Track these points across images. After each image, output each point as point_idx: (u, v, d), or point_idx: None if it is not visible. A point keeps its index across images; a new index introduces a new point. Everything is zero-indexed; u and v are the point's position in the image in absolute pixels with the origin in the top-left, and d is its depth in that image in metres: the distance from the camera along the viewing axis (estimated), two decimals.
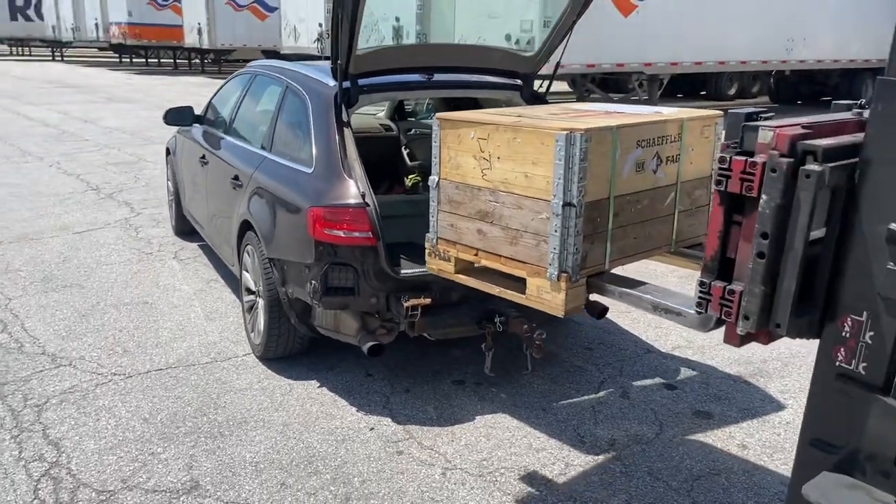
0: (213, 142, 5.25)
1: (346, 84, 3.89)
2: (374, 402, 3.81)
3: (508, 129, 2.65)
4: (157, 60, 35.87)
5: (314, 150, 3.86)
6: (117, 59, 37.21)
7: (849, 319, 1.78)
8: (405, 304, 3.50)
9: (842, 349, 1.80)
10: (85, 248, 6.29)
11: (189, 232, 6.45)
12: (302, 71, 4.44)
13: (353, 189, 3.62)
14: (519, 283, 2.75)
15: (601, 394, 3.94)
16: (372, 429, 3.56)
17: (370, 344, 3.57)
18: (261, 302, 4.12)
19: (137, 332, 4.59)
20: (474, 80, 4.45)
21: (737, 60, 17.37)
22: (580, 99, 17.07)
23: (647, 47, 15.66)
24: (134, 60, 36.52)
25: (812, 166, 1.72)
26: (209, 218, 5.33)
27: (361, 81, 3.98)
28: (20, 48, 42.79)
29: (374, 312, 3.66)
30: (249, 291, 4.34)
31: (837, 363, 1.82)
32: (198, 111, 5.84)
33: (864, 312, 1.75)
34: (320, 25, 20.04)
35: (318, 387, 3.96)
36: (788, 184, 1.74)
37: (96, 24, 32.78)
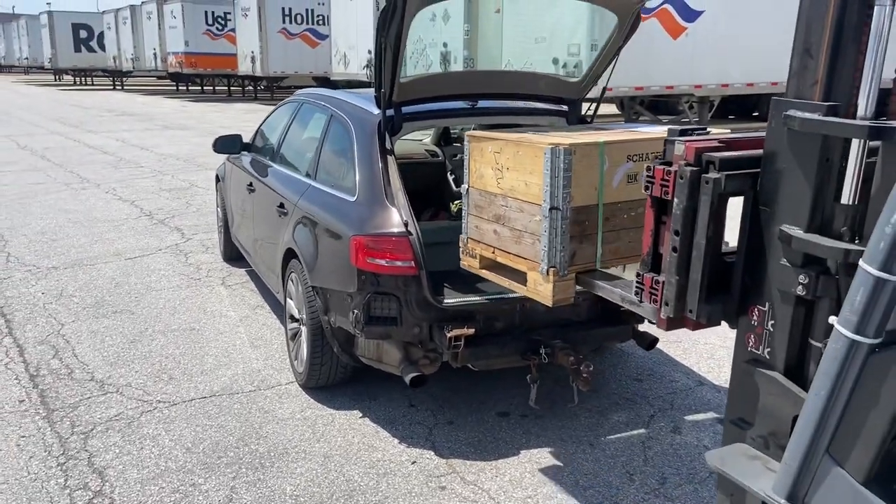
0: (260, 169, 5.30)
1: (390, 112, 3.88)
2: (417, 434, 3.73)
3: (513, 143, 2.97)
4: (211, 88, 36.86)
5: (357, 178, 3.84)
6: (174, 88, 38.38)
7: (756, 309, 2.01)
8: (448, 335, 3.43)
9: (751, 336, 2.04)
10: (136, 273, 6.41)
11: (237, 258, 6.51)
12: (346, 99, 4.45)
13: (396, 217, 3.59)
14: (523, 277, 3.03)
15: (651, 428, 3.80)
16: (414, 462, 3.48)
17: (412, 375, 3.51)
18: (304, 330, 4.11)
19: (183, 359, 4.62)
20: (519, 106, 4.39)
21: None
22: (628, 120, 16.90)
23: (697, 69, 15.43)
24: (190, 88, 37.62)
25: (711, 174, 1.98)
26: (255, 245, 5.37)
27: (405, 109, 3.97)
28: (83, 78, 44.51)
29: (417, 342, 3.60)
30: (293, 319, 4.34)
31: (748, 349, 2.05)
32: (246, 139, 5.93)
33: (767, 303, 1.97)
34: (370, 52, 20.29)
35: (361, 417, 3.91)
36: (693, 189, 2.00)
37: (154, 55, 33.92)
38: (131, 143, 16.04)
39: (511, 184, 2.98)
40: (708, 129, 2.39)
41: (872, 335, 1.57)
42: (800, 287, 1.85)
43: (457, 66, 15.77)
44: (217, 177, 6.84)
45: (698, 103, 16.76)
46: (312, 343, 3.97)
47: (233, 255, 6.59)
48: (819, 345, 1.87)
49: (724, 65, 15.65)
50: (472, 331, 3.48)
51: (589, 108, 4.50)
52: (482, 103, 4.27)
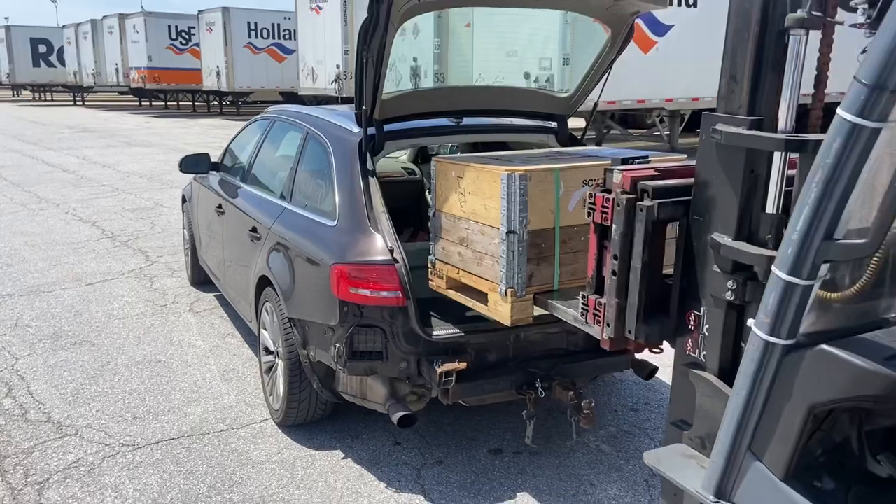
0: (230, 190, 5.00)
1: (371, 130, 3.64)
2: (405, 477, 3.47)
3: (473, 169, 3.03)
4: (175, 103, 36.21)
5: (337, 202, 3.59)
6: (136, 103, 37.63)
7: (692, 315, 2.11)
8: (438, 370, 3.18)
9: (689, 340, 2.13)
10: (97, 300, 6.04)
11: (205, 282, 6.19)
12: (323, 116, 4.19)
13: (380, 244, 3.34)
14: (484, 297, 3.07)
15: None
16: None
17: (400, 414, 3.25)
18: (280, 364, 3.82)
19: (149, 396, 4.29)
20: (505, 123, 4.19)
21: None
22: (598, 134, 16.85)
23: (668, 83, 15.44)
24: (153, 104, 36.91)
25: (645, 202, 2.09)
26: (225, 270, 5.07)
27: (387, 127, 3.73)
28: (42, 93, 43.47)
29: (404, 378, 3.34)
30: (268, 351, 4.05)
31: (687, 352, 2.14)
32: (214, 157, 5.63)
33: (702, 308, 2.07)
34: (338, 67, 20.05)
35: (343, 458, 3.63)
36: (629, 216, 2.12)
37: (117, 69, 33.20)
38: (92, 160, 15.54)
39: (473, 208, 3.06)
40: (649, 157, 2.50)
41: (785, 336, 1.66)
42: (729, 292, 1.95)
43: (427, 80, 15.59)
44: (183, 197, 6.51)
45: (669, 117, 16.80)
46: (290, 378, 3.69)
47: (200, 280, 6.27)
48: None
49: (695, 78, 15.69)
50: (463, 365, 3.23)
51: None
52: (467, 120, 4.05)
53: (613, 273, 2.19)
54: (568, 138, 4.21)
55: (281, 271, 3.79)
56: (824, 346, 1.66)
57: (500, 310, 2.97)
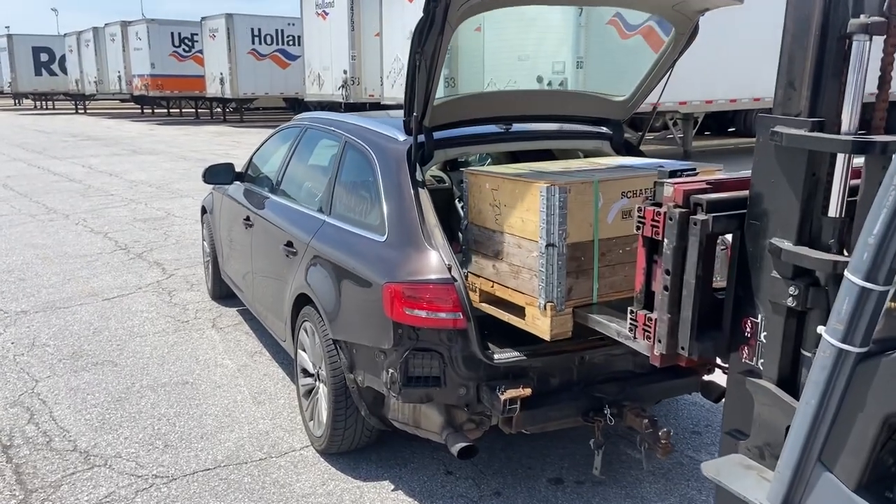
0: (258, 202, 4.77)
1: (421, 138, 3.41)
2: None
3: (509, 181, 2.96)
4: (178, 110, 36.01)
5: (385, 215, 3.35)
6: (139, 111, 37.44)
7: (748, 321, 2.03)
8: (503, 397, 2.94)
9: (745, 348, 2.06)
10: (116, 316, 5.81)
11: (226, 296, 5.97)
12: (361, 124, 3.96)
13: (436, 260, 3.10)
14: (521, 311, 2.98)
15: None
16: None
17: (461, 446, 3.00)
18: (322, 388, 3.59)
19: (179, 421, 4.05)
20: (557, 129, 3.95)
21: (772, 96, 16.88)
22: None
23: (681, 86, 15.15)
24: (156, 111, 36.71)
25: (699, 216, 2.02)
26: (253, 284, 4.83)
27: (436, 135, 3.50)
28: (44, 102, 43.31)
29: (463, 405, 3.10)
30: (307, 373, 3.81)
31: (742, 360, 2.07)
32: (219, 163, 5.34)
33: (759, 315, 2.00)
34: (345, 72, 19.87)
35: (393, 489, 3.39)
36: (682, 229, 2.05)
37: (119, 77, 33.01)
38: (99, 169, 15.32)
39: (509, 221, 2.99)
40: (696, 169, 2.46)
41: (859, 344, 1.61)
42: (790, 298, 1.89)
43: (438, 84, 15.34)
44: (203, 208, 6.27)
45: (682, 120, 16.59)
46: (335, 404, 3.44)
47: (222, 293, 6.04)
48: (810, 355, 1.86)
49: (708, 81, 15.47)
50: (528, 391, 2.99)
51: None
52: (516, 127, 3.82)
53: (665, 288, 2.12)
54: (623, 144, 3.98)
55: (324, 290, 3.55)
56: None
57: (538, 324, 2.89)
